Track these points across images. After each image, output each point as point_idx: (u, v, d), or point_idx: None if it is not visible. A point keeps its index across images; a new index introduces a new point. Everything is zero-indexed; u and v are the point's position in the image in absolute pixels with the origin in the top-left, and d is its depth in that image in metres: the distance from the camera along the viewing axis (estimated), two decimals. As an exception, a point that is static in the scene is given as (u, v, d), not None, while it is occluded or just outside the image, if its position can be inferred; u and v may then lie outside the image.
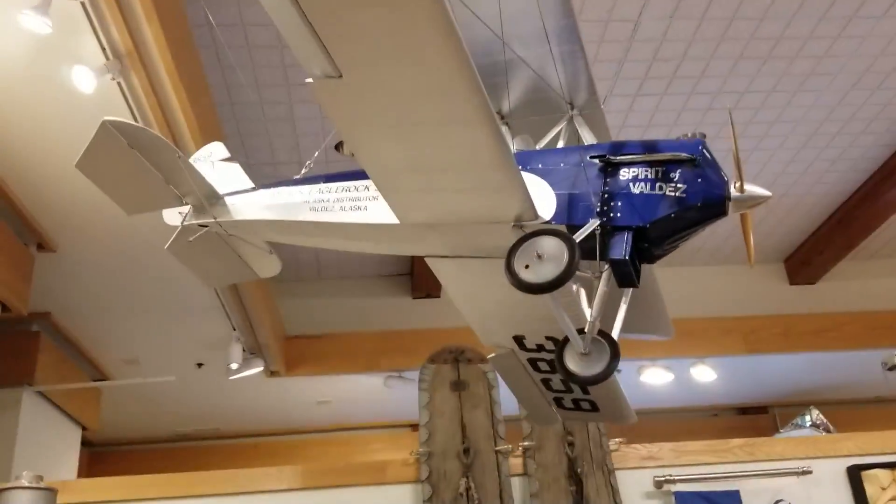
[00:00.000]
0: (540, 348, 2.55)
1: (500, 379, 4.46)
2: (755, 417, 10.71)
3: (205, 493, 4.12)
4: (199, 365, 7.76)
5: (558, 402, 2.85)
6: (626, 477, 4.26)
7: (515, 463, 4.27)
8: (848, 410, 9.06)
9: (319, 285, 8.49)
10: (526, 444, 4.29)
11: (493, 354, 2.69)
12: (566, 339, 2.26)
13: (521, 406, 3.57)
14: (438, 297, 8.69)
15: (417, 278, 8.51)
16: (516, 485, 4.21)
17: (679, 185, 2.13)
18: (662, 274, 2.79)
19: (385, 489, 4.24)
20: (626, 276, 2.14)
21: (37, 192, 5.29)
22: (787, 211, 8.21)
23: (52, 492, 3.66)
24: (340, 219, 2.42)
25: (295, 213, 2.54)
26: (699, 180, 2.14)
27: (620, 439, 4.35)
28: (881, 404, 9.84)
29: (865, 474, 4.27)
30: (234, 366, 6.98)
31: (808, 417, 8.29)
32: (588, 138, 2.52)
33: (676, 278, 6.01)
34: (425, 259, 2.39)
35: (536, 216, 2.11)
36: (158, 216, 5.42)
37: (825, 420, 7.50)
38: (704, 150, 2.20)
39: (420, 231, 2.27)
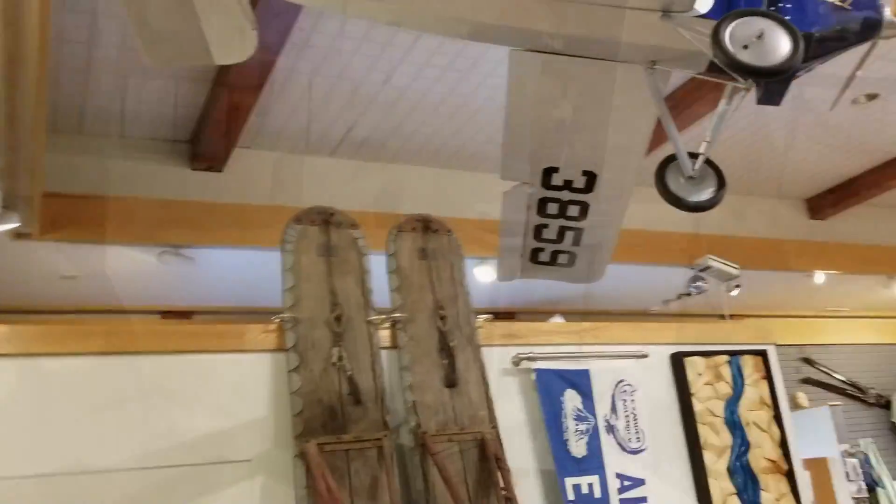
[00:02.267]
0: (567, 184, 2.31)
1: (369, 248, 4.21)
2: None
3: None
4: (-77, 216, 6.19)
5: (534, 254, 2.66)
6: (489, 353, 4.23)
7: (385, 335, 4.02)
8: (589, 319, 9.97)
9: (81, 140, 7.20)
10: (397, 315, 4.05)
11: (507, 190, 2.39)
12: (667, 160, 2.06)
13: (500, 248, 3.28)
14: (221, 171, 7.93)
15: (200, 148, 7.64)
16: (386, 357, 3.97)
17: None
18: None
19: (241, 357, 3.74)
20: (777, 89, 1.98)
21: None
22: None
23: None
24: None
25: None
26: None
27: (486, 316, 4.29)
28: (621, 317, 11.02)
29: (687, 360, 4.70)
30: (-11, 218, 5.68)
31: (547, 325, 8.99)
32: None
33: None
34: (510, 50, 1.97)
35: (691, 6, 1.84)
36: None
37: (566, 327, 8.17)
38: None
39: (532, 7, 1.86)
